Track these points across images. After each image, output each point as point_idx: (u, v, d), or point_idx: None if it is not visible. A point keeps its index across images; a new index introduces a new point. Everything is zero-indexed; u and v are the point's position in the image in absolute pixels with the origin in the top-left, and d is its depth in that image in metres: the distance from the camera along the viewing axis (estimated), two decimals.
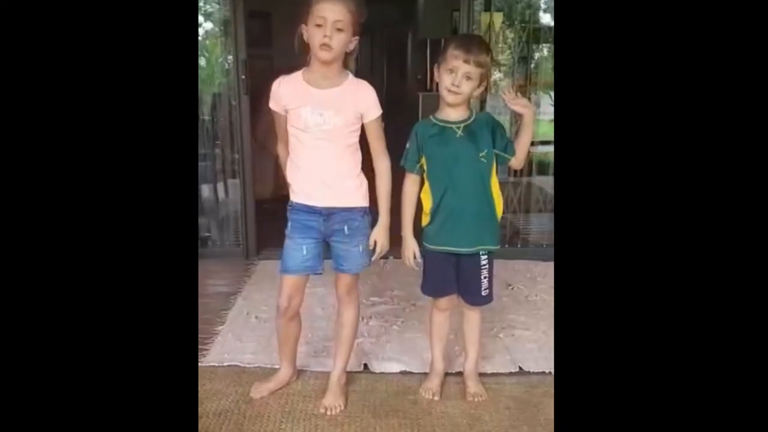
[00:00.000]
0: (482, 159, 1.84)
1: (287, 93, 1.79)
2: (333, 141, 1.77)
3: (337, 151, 1.79)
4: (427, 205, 1.92)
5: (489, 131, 1.86)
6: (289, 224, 1.87)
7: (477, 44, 1.84)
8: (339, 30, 1.68)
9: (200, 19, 3.51)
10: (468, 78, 1.79)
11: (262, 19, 5.82)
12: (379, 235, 1.87)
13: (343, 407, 1.92)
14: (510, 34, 3.57)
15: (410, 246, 1.93)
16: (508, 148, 1.88)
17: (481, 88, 1.86)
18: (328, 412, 1.89)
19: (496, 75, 3.80)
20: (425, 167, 1.89)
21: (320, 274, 1.91)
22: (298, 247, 1.85)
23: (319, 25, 1.68)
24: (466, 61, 1.77)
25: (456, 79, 1.78)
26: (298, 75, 1.80)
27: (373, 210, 1.89)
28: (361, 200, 1.85)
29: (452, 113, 1.86)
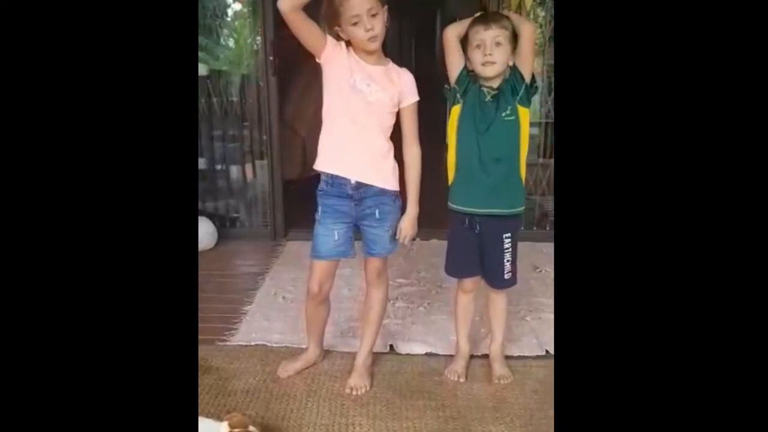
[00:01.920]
0: (507, 118, 1.81)
1: (342, 52, 1.74)
2: (372, 117, 1.77)
3: (375, 130, 1.79)
4: (452, 161, 1.90)
5: (509, 85, 1.82)
6: (320, 209, 1.86)
7: (493, 14, 1.85)
8: (374, 15, 1.68)
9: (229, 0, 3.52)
10: (498, 44, 1.76)
11: None
12: (406, 224, 1.86)
13: (368, 388, 1.93)
14: (541, 13, 3.49)
15: None
16: (523, 99, 1.83)
17: (514, 57, 1.80)
18: (354, 393, 1.90)
19: None
20: (456, 118, 1.87)
21: (353, 257, 1.91)
22: (330, 232, 1.84)
23: (355, 23, 1.67)
24: (488, 29, 1.75)
25: (486, 49, 1.75)
26: (350, 49, 1.77)
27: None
28: (394, 183, 1.84)
29: (487, 83, 1.83)
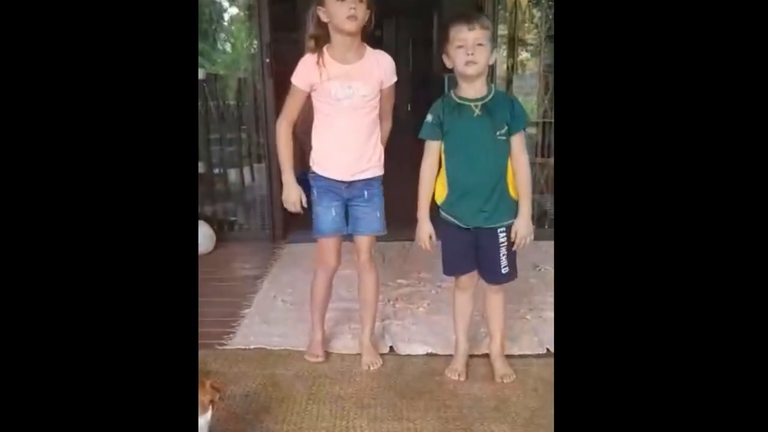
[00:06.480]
0: (500, 137, 1.82)
1: (314, 69, 1.87)
2: (358, 113, 1.89)
3: (363, 124, 1.92)
4: (441, 189, 1.91)
5: (508, 109, 1.82)
6: (314, 191, 2.00)
7: (474, 12, 1.92)
8: (360, 1, 1.80)
9: (225, 4, 3.52)
10: (479, 44, 1.77)
11: (287, 2, 5.82)
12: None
13: (380, 364, 2.06)
14: (537, 13, 3.50)
15: (425, 229, 1.92)
16: (519, 124, 1.84)
17: (494, 56, 1.86)
18: (370, 368, 2.04)
19: (524, 54, 3.73)
20: (443, 145, 1.87)
21: (347, 234, 2.04)
22: (327, 210, 1.99)
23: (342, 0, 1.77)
24: (471, 29, 1.76)
25: (468, 49, 1.76)
26: (323, 53, 1.88)
27: None
28: (380, 170, 1.99)
29: (470, 90, 1.83)
